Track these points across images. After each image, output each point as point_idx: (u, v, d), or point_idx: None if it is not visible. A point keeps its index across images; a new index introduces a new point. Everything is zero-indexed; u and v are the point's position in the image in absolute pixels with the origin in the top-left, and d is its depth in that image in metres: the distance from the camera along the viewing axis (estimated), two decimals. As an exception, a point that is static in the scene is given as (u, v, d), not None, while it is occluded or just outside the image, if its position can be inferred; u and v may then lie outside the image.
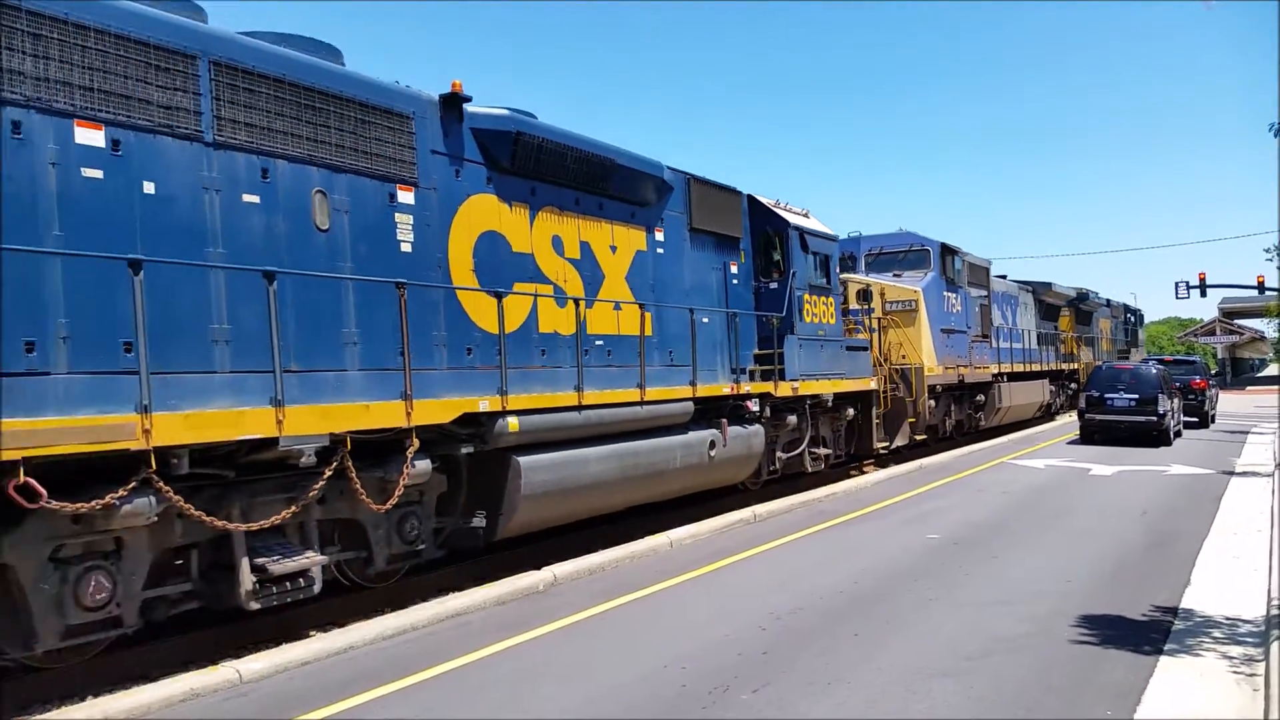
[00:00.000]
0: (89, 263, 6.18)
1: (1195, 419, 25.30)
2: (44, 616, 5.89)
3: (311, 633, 7.42)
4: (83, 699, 6.00)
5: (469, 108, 9.47)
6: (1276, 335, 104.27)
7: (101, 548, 6.20)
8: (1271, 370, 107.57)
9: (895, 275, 20.07)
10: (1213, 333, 73.15)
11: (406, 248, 8.70)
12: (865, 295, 17.86)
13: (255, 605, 6.90)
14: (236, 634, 7.43)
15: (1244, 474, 15.59)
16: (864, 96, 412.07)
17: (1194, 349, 73.69)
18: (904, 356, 18.54)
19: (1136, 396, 20.33)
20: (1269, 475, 14.98)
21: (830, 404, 15.09)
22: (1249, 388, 59.20)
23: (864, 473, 16.70)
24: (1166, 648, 6.48)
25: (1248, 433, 23.46)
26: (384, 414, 7.80)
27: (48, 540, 5.91)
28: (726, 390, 12.47)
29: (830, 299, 15.41)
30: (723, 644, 6.81)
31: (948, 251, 21.05)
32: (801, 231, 14.59)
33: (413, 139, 8.84)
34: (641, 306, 11.24)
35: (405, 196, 8.73)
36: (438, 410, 8.32)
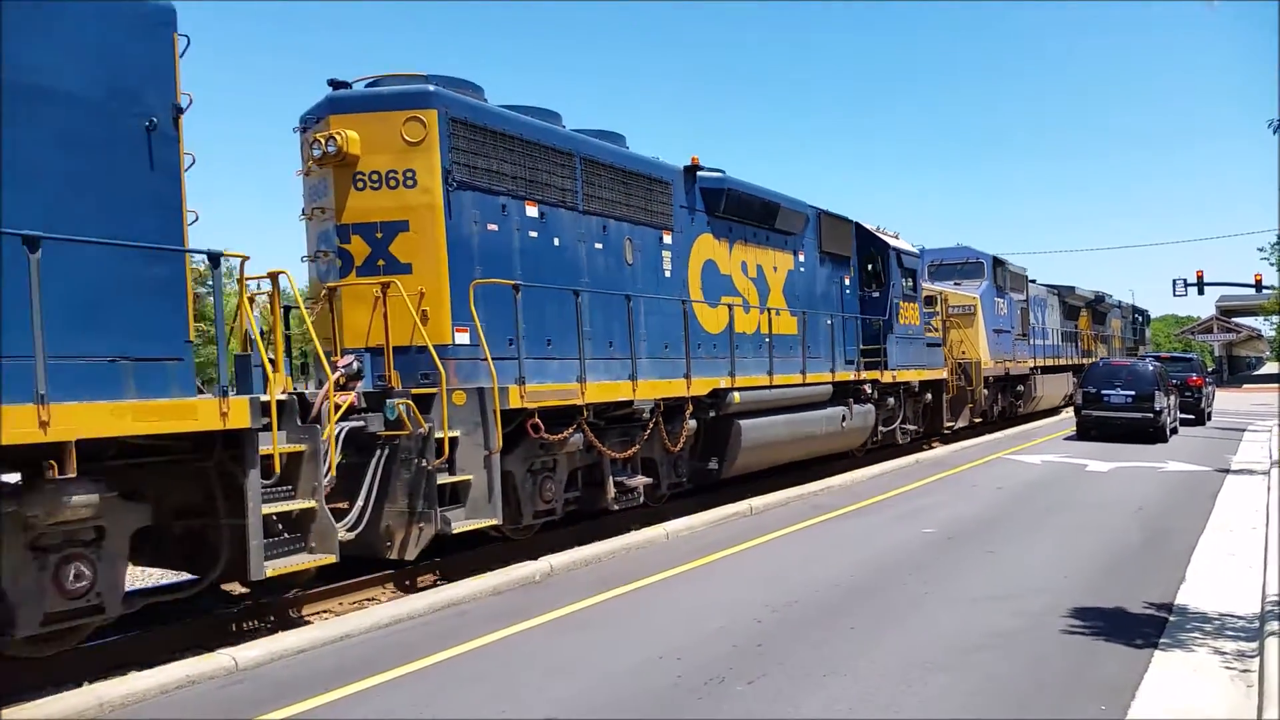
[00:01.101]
0: (533, 289, 10.07)
1: (1191, 416, 25.46)
2: (526, 504, 9.83)
3: (309, 619, 7.62)
4: (77, 685, 6.04)
5: (699, 173, 13.35)
6: (1273, 333, 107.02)
7: (549, 466, 10.14)
8: (1268, 368, 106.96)
9: (956, 283, 24.06)
10: (1210, 330, 73.15)
11: (668, 274, 12.62)
12: (932, 300, 21.83)
13: (615, 507, 10.89)
14: (231, 620, 7.66)
15: (1240, 471, 15.72)
16: (871, 92, 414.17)
17: (1191, 346, 71.91)
18: (964, 352, 22.52)
19: (1133, 393, 20.56)
20: (1265, 473, 15.08)
21: (916, 389, 19.08)
22: (1245, 385, 59.42)
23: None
24: (1161, 643, 6.47)
25: (1244, 430, 23.75)
26: (678, 387, 11.78)
27: (526, 459, 9.83)
28: (852, 376, 16.43)
29: (915, 304, 19.36)
30: (718, 636, 6.85)
31: (998, 263, 25.13)
32: (898, 251, 18.52)
33: (670, 198, 12.74)
34: (803, 314, 15.18)
35: (666, 239, 12.64)
36: (701, 386, 12.27)
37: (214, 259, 6.84)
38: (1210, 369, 45.71)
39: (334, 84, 9.45)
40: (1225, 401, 34.69)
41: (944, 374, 20.42)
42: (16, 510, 5.73)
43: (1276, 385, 50.40)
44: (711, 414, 12.62)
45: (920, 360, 19.27)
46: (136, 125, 6.54)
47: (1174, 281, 39.13)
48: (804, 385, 14.80)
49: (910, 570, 8.92)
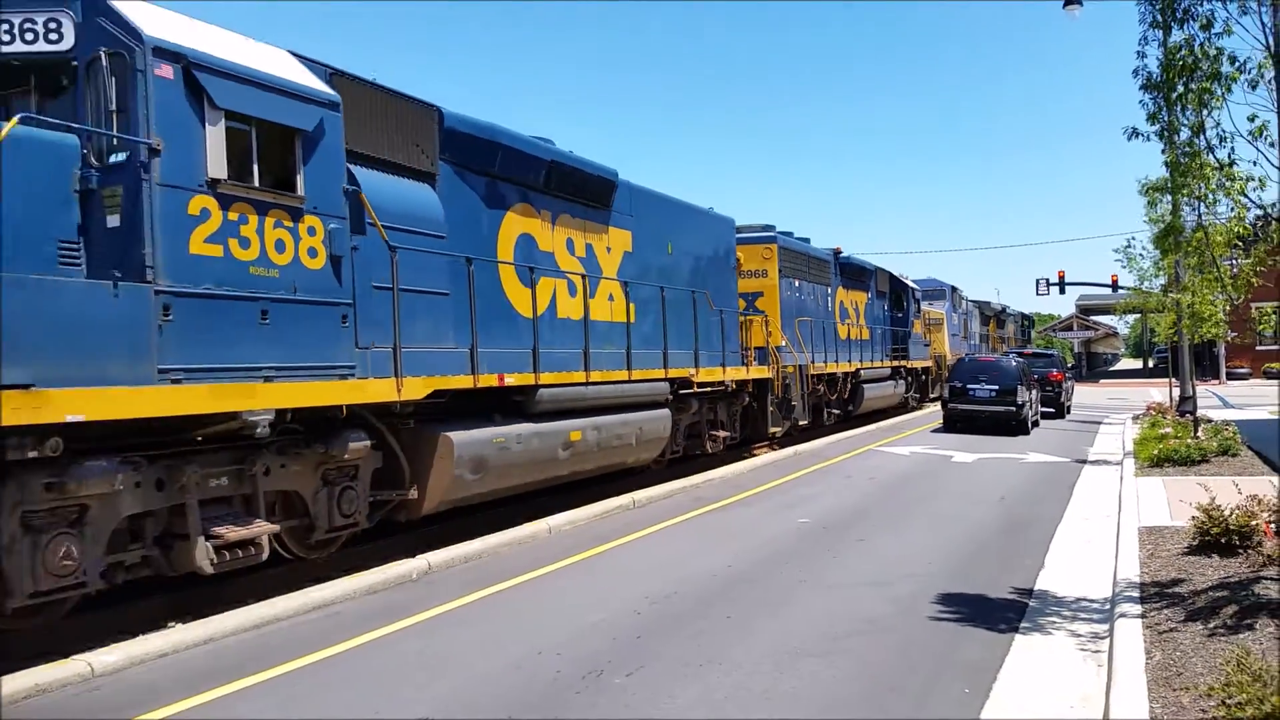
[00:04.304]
0: (809, 321, 21.90)
1: (1052, 410, 26.68)
2: (803, 415, 21.50)
3: (172, 624, 7.17)
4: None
5: (841, 255, 25.42)
6: (1128, 331, 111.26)
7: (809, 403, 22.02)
8: (1124, 364, 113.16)
9: (930, 303, 36.70)
10: (1070, 328, 74.94)
11: (830, 310, 24.47)
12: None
13: (828, 423, 22.90)
14: (95, 624, 7.09)
15: (1096, 462, 16.39)
16: (719, 86, 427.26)
17: (1052, 343, 73.89)
18: (935, 350, 35.29)
19: (997, 388, 21.93)
20: (1118, 463, 15.61)
21: (920, 372, 31.82)
22: (1102, 381, 61.64)
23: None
24: (1022, 627, 6.75)
25: (1100, 423, 25.10)
26: (846, 366, 23.90)
27: (803, 397, 21.65)
28: (895, 364, 28.89)
29: (920, 320, 32.07)
30: (597, 629, 6.89)
31: (954, 290, 38.73)
32: (911, 288, 31.17)
33: (829, 269, 24.64)
34: (876, 329, 27.63)
35: (828, 290, 24.51)
36: (852, 366, 24.35)
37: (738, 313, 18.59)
38: (1070, 365, 47.34)
39: (731, 229, 21.09)
40: (1083, 396, 36.72)
41: (930, 363, 33.32)
42: (698, 407, 17.13)
43: (1131, 380, 56.88)
44: (852, 381, 24.71)
45: (921, 355, 32.17)
46: (728, 265, 18.15)
47: (1037, 281, 40.81)
48: (881, 367, 27.25)
49: (786, 560, 9.08)
